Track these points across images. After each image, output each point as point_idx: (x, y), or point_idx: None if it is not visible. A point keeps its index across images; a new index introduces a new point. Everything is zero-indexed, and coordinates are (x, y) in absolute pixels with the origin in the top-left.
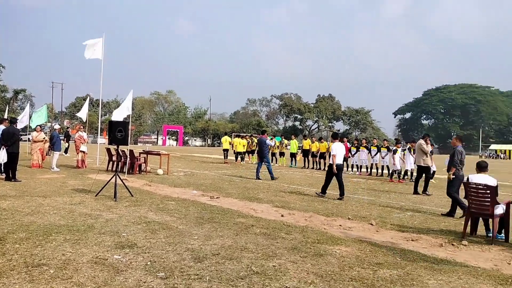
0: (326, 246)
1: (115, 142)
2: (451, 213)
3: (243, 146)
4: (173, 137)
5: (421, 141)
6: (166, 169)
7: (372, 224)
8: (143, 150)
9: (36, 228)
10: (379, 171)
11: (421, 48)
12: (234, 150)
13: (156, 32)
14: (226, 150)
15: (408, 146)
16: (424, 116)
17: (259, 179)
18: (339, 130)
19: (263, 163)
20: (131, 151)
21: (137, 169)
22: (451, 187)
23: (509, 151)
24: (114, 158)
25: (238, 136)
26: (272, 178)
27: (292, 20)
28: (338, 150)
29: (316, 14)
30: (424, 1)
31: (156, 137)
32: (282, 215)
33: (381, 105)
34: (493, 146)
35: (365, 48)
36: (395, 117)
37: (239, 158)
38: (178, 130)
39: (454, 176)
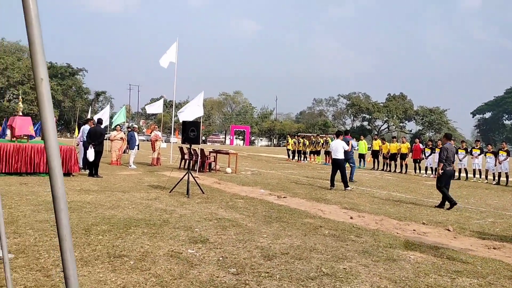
0: (400, 251)
1: (188, 141)
2: (441, 205)
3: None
4: (240, 137)
5: None
6: (234, 168)
7: (449, 230)
8: (212, 149)
9: (117, 221)
10: (456, 174)
11: (501, 43)
12: (297, 149)
13: (223, 34)
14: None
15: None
16: (507, 116)
17: (351, 181)
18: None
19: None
20: (202, 150)
21: (207, 167)
22: (439, 182)
23: None
24: (186, 156)
25: (304, 137)
26: (351, 180)
27: (359, 17)
28: (333, 147)
29: (385, 9)
30: None
31: (224, 136)
32: (351, 217)
33: (458, 104)
34: None
35: (439, 44)
36: (473, 117)
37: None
38: (245, 130)
39: (442, 171)
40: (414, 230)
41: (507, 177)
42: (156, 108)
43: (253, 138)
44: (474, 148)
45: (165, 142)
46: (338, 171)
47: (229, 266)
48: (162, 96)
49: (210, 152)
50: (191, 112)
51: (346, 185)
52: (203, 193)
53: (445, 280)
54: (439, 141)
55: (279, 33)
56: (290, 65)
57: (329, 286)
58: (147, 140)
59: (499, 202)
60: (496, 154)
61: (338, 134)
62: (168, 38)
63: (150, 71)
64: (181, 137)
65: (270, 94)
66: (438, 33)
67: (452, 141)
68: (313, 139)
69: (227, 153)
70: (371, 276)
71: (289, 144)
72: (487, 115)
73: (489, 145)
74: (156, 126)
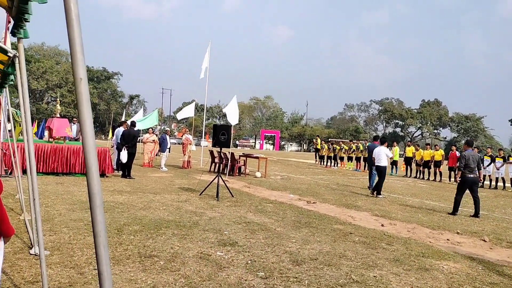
0: (432, 261)
1: (219, 145)
2: (476, 215)
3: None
4: (270, 142)
5: None
6: (263, 172)
7: (485, 241)
8: (243, 153)
9: (148, 222)
10: (493, 183)
11: None
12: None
13: (255, 39)
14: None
15: None
16: None
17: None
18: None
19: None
20: (232, 154)
21: (237, 171)
22: (457, 190)
23: None
24: (216, 160)
25: (334, 142)
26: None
27: (393, 22)
28: (376, 153)
29: (420, 15)
30: None
31: (254, 141)
32: (382, 225)
33: (495, 111)
34: None
35: (476, 50)
36: (511, 124)
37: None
38: (275, 135)
39: (460, 179)
40: (447, 239)
41: None
42: (187, 112)
43: (283, 143)
44: (510, 156)
45: (195, 145)
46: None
47: (257, 270)
48: (193, 100)
49: (240, 156)
50: (234, 116)
51: (379, 193)
52: (233, 196)
53: None
54: (489, 149)
55: (311, 39)
56: (322, 70)
57: None
58: (179, 143)
59: None
60: None
61: (382, 142)
62: (201, 43)
63: (183, 75)
64: (211, 140)
65: (301, 99)
66: (474, 38)
67: (475, 148)
68: (346, 145)
69: (257, 157)
70: (402, 285)
71: (323, 149)
72: None
73: None
74: (187, 130)
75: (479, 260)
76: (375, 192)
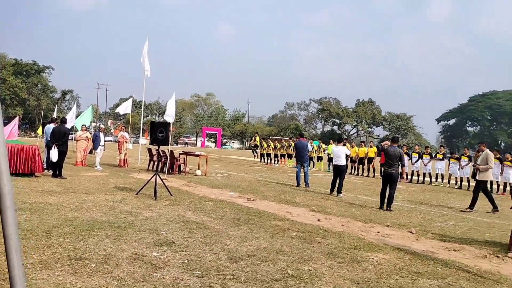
0: (363, 253)
1: (156, 143)
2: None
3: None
4: (211, 139)
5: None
6: (204, 170)
7: (412, 232)
8: (182, 151)
9: (79, 223)
10: (421, 178)
11: (467, 53)
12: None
13: (197, 35)
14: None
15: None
16: (470, 123)
17: (299, 185)
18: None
19: (302, 168)
20: (171, 152)
21: (177, 169)
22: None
23: None
24: (154, 158)
25: (275, 139)
26: (307, 185)
27: (334, 25)
28: (335, 153)
29: (358, 18)
30: (471, 4)
31: (195, 138)
32: (318, 220)
33: (424, 111)
34: None
35: (408, 53)
36: (438, 123)
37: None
38: (216, 133)
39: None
40: (378, 232)
41: (468, 181)
42: (125, 108)
43: (224, 140)
44: (438, 153)
45: (134, 143)
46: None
47: (194, 269)
48: (131, 96)
49: (180, 154)
50: (170, 115)
51: (339, 191)
52: (171, 195)
53: (407, 281)
54: (417, 146)
55: (253, 37)
56: (264, 68)
57: (294, 287)
58: (115, 141)
59: (461, 205)
60: (459, 160)
61: (339, 140)
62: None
63: (120, 70)
64: (150, 138)
65: (243, 97)
66: (405, 42)
67: (404, 146)
68: (285, 143)
69: (197, 155)
70: (335, 277)
71: (268, 147)
72: (451, 121)
73: (453, 153)
74: (124, 127)
75: (406, 251)
76: (336, 192)
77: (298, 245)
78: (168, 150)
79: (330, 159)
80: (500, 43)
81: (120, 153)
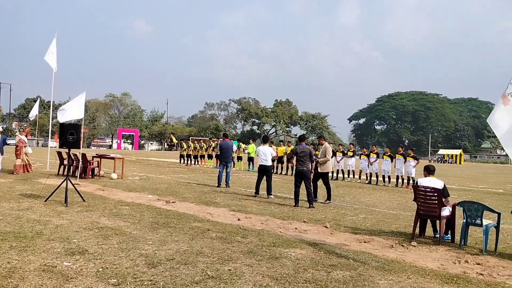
0: (282, 249)
1: (67, 145)
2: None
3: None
4: (128, 141)
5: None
6: (120, 173)
7: (326, 227)
8: (96, 154)
9: None
10: (334, 174)
11: (375, 56)
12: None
13: (111, 33)
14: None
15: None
16: (377, 122)
17: (219, 186)
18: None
19: (225, 168)
20: (83, 155)
21: (90, 173)
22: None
23: (455, 155)
24: (65, 162)
25: (196, 140)
26: (227, 185)
27: (250, 25)
28: (261, 152)
29: (273, 19)
30: (376, 11)
31: (110, 140)
32: (238, 219)
33: (337, 111)
34: (441, 151)
35: (320, 54)
36: (349, 122)
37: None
38: (133, 134)
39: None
40: (296, 228)
41: (377, 177)
42: (33, 111)
43: (142, 142)
44: (349, 151)
45: (42, 146)
46: (265, 177)
47: (109, 277)
48: (38, 96)
49: (93, 156)
50: (71, 112)
51: (270, 193)
52: (84, 200)
53: (322, 274)
54: (340, 146)
55: (171, 36)
56: (183, 68)
57: None
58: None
59: (370, 199)
60: (368, 156)
61: (265, 140)
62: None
63: (26, 68)
64: (59, 141)
65: (161, 97)
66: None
67: (303, 142)
68: (204, 143)
69: (113, 158)
70: (255, 275)
71: (189, 148)
72: (361, 121)
73: (364, 148)
74: (31, 129)
75: (321, 245)
76: (267, 193)
77: (218, 245)
78: (80, 153)
79: (250, 159)
80: (400, 47)
81: (18, 158)
